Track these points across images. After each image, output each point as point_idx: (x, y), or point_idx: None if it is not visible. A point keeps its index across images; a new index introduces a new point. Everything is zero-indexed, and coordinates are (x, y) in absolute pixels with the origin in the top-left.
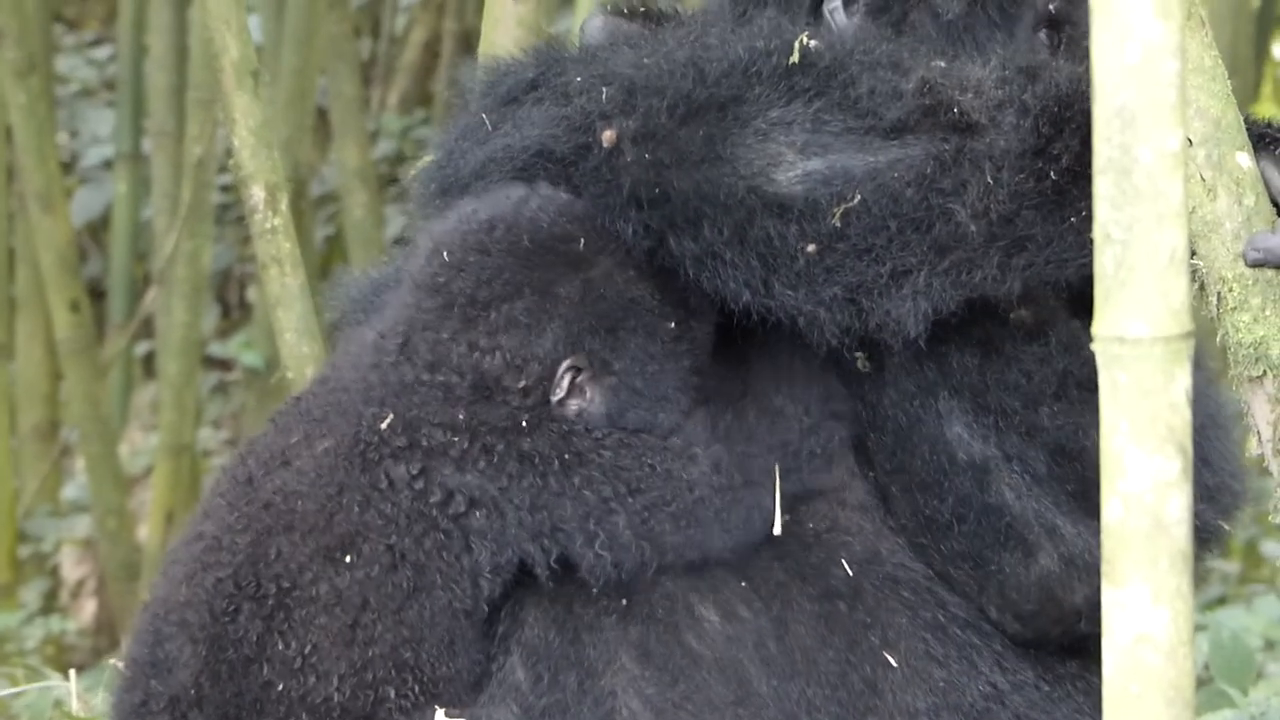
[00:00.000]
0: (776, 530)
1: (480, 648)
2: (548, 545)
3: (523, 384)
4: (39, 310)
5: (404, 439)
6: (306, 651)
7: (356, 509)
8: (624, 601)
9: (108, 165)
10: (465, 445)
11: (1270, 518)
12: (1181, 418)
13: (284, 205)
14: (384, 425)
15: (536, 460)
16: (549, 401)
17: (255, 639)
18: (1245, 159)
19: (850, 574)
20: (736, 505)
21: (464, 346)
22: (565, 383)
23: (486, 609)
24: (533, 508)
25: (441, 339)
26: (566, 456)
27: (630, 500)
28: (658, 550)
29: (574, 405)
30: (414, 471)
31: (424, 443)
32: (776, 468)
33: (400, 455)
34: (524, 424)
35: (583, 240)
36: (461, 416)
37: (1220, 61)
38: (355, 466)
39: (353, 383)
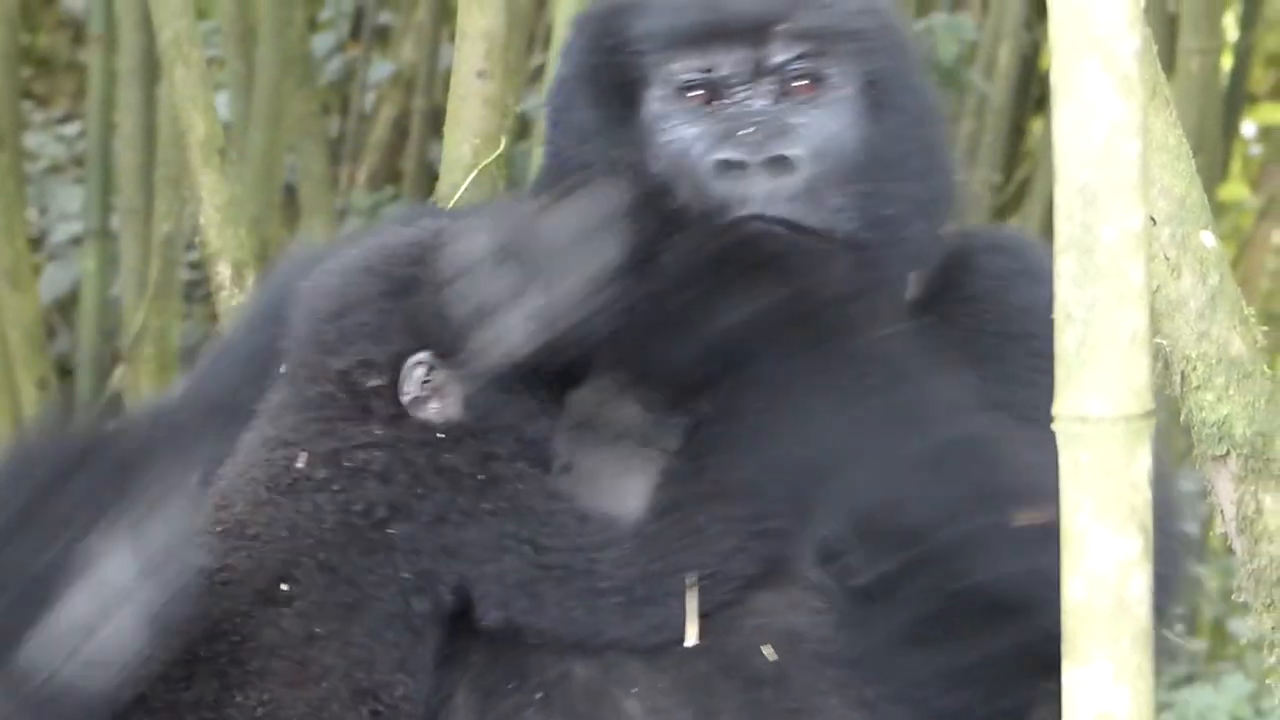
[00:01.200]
0: (688, 642)
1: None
2: (447, 564)
3: (376, 383)
4: (6, 387)
5: (325, 471)
6: (265, 699)
7: (285, 533)
8: (541, 695)
9: (76, 242)
10: (387, 460)
11: (1235, 597)
12: (1143, 497)
13: (250, 282)
14: (300, 464)
15: (452, 476)
16: (398, 403)
17: (212, 699)
18: (1209, 238)
19: (774, 658)
20: (642, 613)
21: (322, 356)
22: (416, 378)
23: (432, 630)
24: (437, 519)
25: (310, 359)
26: (481, 478)
27: (529, 551)
28: (545, 614)
29: (434, 406)
30: (336, 489)
31: (346, 464)
32: (695, 581)
33: (324, 485)
34: (442, 439)
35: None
36: (379, 432)
37: (1184, 140)
38: (279, 500)
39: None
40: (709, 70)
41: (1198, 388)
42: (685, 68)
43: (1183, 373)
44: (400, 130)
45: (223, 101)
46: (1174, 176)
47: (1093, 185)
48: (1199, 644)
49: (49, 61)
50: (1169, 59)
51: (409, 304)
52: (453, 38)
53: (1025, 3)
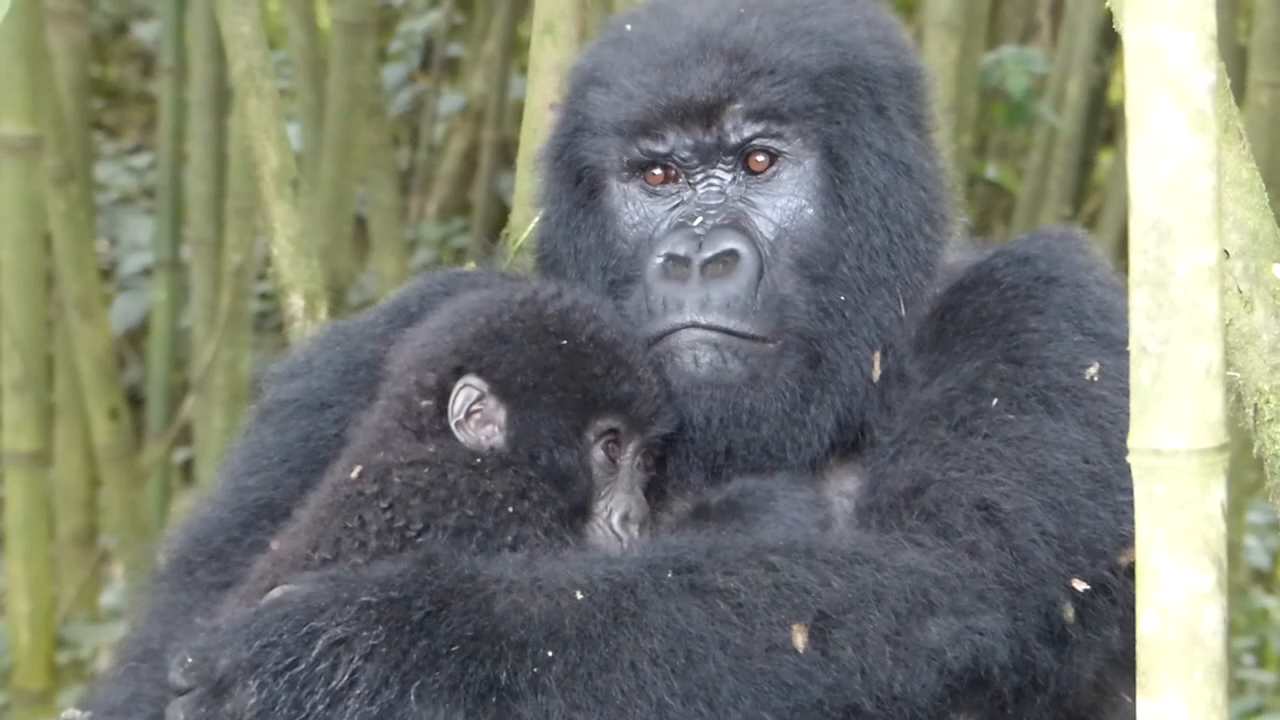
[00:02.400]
0: None
1: None
2: None
3: (425, 404)
4: (78, 417)
5: (376, 485)
6: None
7: (329, 555)
8: None
9: (147, 273)
10: (431, 477)
11: None
12: (1216, 530)
13: (323, 313)
14: (354, 475)
15: (485, 499)
16: (448, 426)
17: None
18: None
19: None
20: None
21: (390, 383)
22: (461, 402)
23: None
24: (458, 532)
25: (384, 388)
26: (510, 510)
27: None
28: None
29: (481, 432)
30: (383, 506)
31: (396, 479)
32: None
33: (373, 500)
34: (483, 464)
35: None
36: (430, 450)
37: (1257, 174)
38: (328, 517)
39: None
40: (667, 152)
41: (1270, 420)
42: (643, 151)
43: (1255, 406)
44: (470, 162)
45: (293, 133)
46: (1246, 210)
47: (1166, 220)
48: (1268, 676)
49: (119, 93)
50: (1239, 92)
51: (462, 333)
52: (522, 70)
53: (1095, 36)
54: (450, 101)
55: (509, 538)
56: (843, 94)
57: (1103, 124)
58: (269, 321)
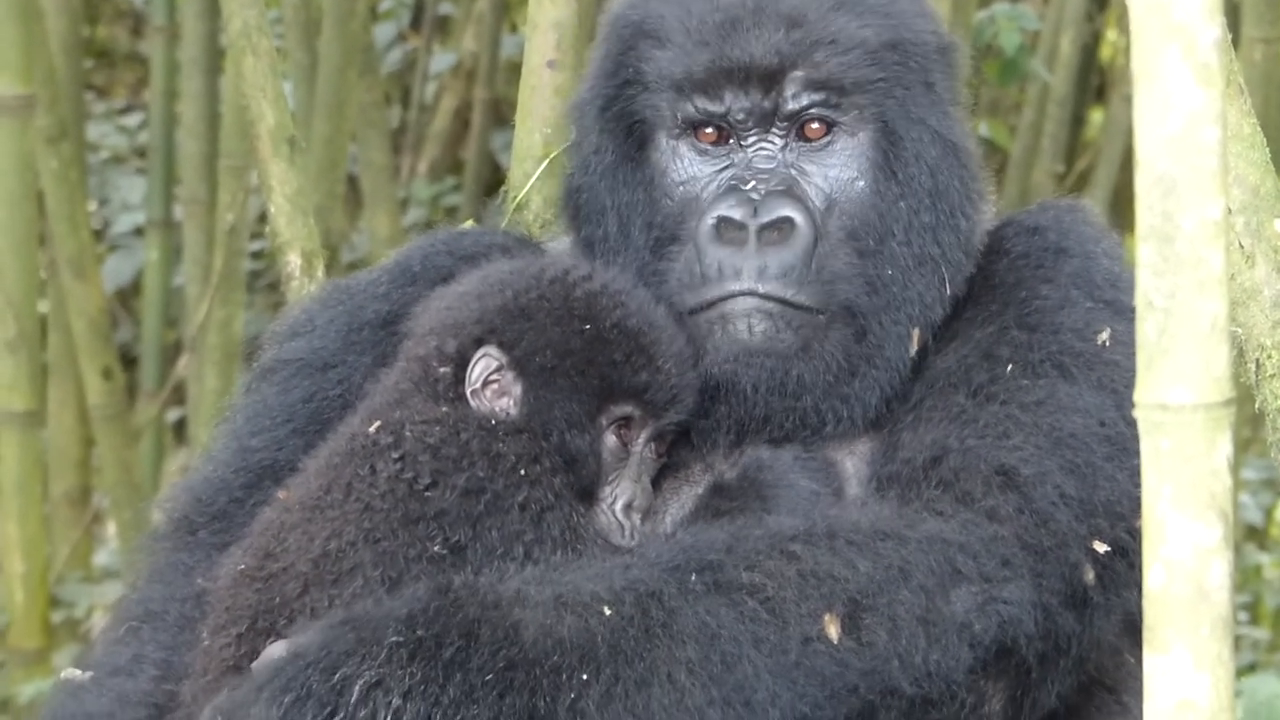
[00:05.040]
0: None
1: None
2: (472, 540)
3: (443, 370)
4: (71, 377)
5: (390, 437)
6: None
7: (340, 495)
8: None
9: (139, 232)
10: (443, 435)
11: None
12: (1223, 484)
13: (320, 272)
14: (372, 429)
15: (497, 461)
16: (464, 393)
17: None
18: None
19: None
20: None
21: (412, 344)
22: (479, 371)
23: None
24: (468, 492)
25: (405, 348)
26: (522, 473)
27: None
28: None
29: (496, 403)
30: (395, 456)
31: (408, 433)
32: None
33: (385, 451)
34: (497, 427)
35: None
36: (443, 410)
37: (1259, 129)
38: (341, 464)
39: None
40: (722, 113)
41: (1272, 375)
42: (698, 109)
43: (1257, 360)
44: (461, 120)
45: (286, 92)
46: (1248, 165)
47: (1172, 174)
48: (1261, 633)
49: (108, 53)
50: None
51: (488, 303)
52: (513, 28)
53: None
54: (441, 60)
55: (518, 499)
56: (898, 68)
57: (1094, 81)
58: (261, 280)
